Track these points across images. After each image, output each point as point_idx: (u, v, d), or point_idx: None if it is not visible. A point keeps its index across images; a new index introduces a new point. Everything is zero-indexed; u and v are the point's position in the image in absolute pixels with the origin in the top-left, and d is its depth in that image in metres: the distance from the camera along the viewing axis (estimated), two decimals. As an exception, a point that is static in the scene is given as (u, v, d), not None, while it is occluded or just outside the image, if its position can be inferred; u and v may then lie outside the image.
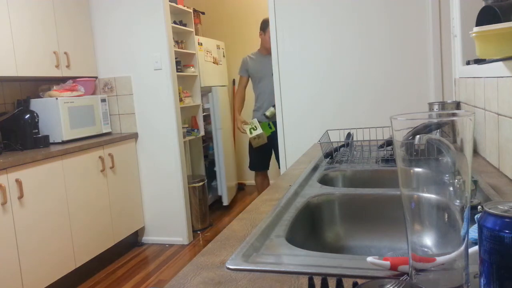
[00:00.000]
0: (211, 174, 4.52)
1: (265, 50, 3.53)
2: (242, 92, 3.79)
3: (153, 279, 2.90)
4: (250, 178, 5.38)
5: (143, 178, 3.56)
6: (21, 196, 2.39)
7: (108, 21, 3.45)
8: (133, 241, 3.53)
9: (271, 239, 0.85)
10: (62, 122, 2.98)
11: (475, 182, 1.03)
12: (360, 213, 1.13)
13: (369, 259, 0.64)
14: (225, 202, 4.40)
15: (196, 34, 4.30)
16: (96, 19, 3.48)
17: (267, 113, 3.50)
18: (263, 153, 3.68)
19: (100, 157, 3.07)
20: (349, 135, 1.73)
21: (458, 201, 0.49)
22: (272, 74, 3.00)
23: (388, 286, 0.46)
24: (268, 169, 3.80)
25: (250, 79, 3.72)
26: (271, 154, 3.72)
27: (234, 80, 5.16)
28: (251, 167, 3.79)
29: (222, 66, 4.87)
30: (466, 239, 0.50)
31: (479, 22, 1.25)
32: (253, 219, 0.97)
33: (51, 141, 2.99)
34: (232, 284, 0.65)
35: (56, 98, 2.98)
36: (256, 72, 3.62)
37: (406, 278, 0.59)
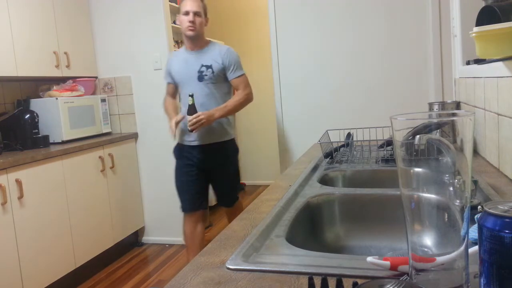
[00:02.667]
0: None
1: (189, 43, 2.45)
2: (170, 103, 2.59)
3: (153, 279, 2.90)
4: (250, 178, 5.39)
5: (143, 178, 3.56)
6: (21, 196, 2.39)
7: (108, 21, 3.45)
8: (133, 241, 3.52)
9: (271, 239, 0.85)
10: (62, 122, 2.98)
11: (475, 182, 1.03)
12: (360, 213, 1.13)
13: (369, 259, 0.64)
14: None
15: (196, 34, 4.30)
16: (96, 19, 3.48)
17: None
18: (196, 183, 2.50)
19: (100, 157, 3.07)
20: (349, 135, 1.73)
21: (458, 201, 0.49)
22: (200, 78, 2.37)
23: (388, 286, 0.46)
24: (205, 208, 2.62)
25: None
26: (207, 186, 2.58)
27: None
28: (182, 205, 2.54)
29: (222, 66, 4.86)
30: (466, 239, 0.50)
31: (479, 22, 1.25)
32: (253, 219, 0.97)
33: (51, 141, 2.99)
34: (232, 284, 0.65)
35: (56, 98, 2.98)
36: (177, 74, 2.49)
37: (406, 278, 0.59)
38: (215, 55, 2.42)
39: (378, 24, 2.70)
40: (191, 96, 2.28)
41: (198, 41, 2.45)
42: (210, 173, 2.53)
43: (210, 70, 2.39)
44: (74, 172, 2.82)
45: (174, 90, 2.60)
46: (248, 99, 2.48)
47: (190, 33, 2.40)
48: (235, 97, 2.45)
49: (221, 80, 2.43)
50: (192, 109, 2.29)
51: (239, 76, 2.45)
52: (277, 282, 0.65)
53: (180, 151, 2.53)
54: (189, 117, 2.28)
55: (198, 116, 2.26)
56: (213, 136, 2.46)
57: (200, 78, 2.40)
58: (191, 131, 2.29)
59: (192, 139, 2.46)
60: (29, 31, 2.88)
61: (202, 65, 2.40)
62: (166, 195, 3.49)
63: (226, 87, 2.48)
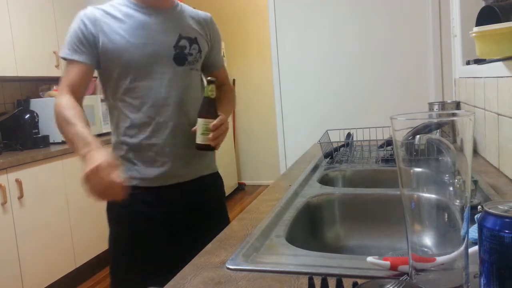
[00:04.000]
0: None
1: None
2: (76, 113, 1.17)
3: (153, 279, 2.90)
4: (250, 178, 5.38)
5: (143, 178, 3.56)
6: (21, 196, 2.39)
7: (108, 21, 3.44)
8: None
9: (271, 239, 0.85)
10: (62, 122, 2.98)
11: (475, 182, 1.03)
12: (360, 213, 1.13)
13: (369, 259, 0.64)
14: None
15: (196, 34, 4.30)
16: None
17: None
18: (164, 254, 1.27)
19: (100, 157, 3.07)
20: (349, 135, 1.73)
21: (458, 201, 0.49)
22: (180, 59, 1.28)
23: (388, 286, 0.46)
24: None
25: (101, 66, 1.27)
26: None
27: (234, 80, 5.15)
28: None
29: (222, 66, 4.87)
30: (466, 239, 0.50)
31: (479, 22, 1.25)
32: (253, 219, 0.97)
33: (51, 141, 2.99)
34: (232, 284, 0.65)
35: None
36: (128, 49, 1.22)
37: (406, 278, 0.59)
38: (194, 23, 1.35)
39: (378, 24, 2.70)
40: (213, 81, 1.25)
41: None
42: (190, 232, 1.31)
43: (196, 46, 1.32)
44: (74, 172, 2.82)
45: (86, 81, 1.24)
46: (235, 95, 1.57)
47: None
48: (228, 95, 1.48)
49: (200, 66, 1.38)
50: (211, 106, 1.24)
51: (223, 65, 1.51)
52: (277, 282, 0.65)
53: (132, 201, 1.21)
54: (207, 122, 1.20)
55: (222, 120, 1.23)
56: (204, 166, 1.37)
57: (180, 58, 1.28)
58: (213, 148, 1.23)
59: (164, 169, 1.26)
60: (29, 31, 2.88)
61: (181, 37, 1.29)
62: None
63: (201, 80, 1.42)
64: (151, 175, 1.26)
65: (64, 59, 1.25)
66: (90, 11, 1.24)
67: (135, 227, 1.26)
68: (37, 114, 2.92)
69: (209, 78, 1.27)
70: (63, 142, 2.99)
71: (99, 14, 1.24)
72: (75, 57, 1.22)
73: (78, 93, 1.23)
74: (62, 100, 1.19)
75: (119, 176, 1.02)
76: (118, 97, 1.26)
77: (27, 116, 2.88)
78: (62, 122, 1.16)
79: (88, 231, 2.91)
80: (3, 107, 3.03)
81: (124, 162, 1.27)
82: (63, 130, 1.16)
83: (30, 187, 2.46)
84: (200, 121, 1.21)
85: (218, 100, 1.32)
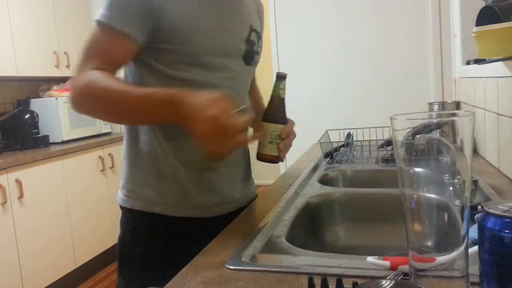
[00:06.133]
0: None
1: None
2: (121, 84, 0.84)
3: (153, 279, 2.90)
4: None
5: (143, 178, 3.56)
6: (21, 196, 2.39)
7: (108, 21, 3.44)
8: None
9: (271, 239, 0.85)
10: (62, 122, 2.98)
11: (475, 182, 1.03)
12: (360, 213, 1.13)
13: (369, 259, 0.64)
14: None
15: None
16: (96, 19, 3.47)
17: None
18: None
19: (100, 157, 3.07)
20: (349, 135, 1.73)
21: (458, 201, 0.49)
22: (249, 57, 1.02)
23: (388, 286, 0.46)
24: None
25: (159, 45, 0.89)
26: None
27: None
28: None
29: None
30: (466, 239, 0.50)
31: (479, 22, 1.25)
32: (253, 219, 0.97)
33: (51, 141, 2.99)
34: (232, 284, 0.65)
35: (56, 98, 2.97)
36: (202, 28, 0.90)
37: (400, 274, 0.59)
38: (254, 11, 1.08)
39: (378, 24, 2.70)
40: (284, 77, 0.98)
41: None
42: None
43: (260, 43, 1.07)
44: (74, 172, 2.82)
45: (127, 58, 0.90)
46: None
47: None
48: (259, 96, 1.29)
49: None
50: (281, 108, 1.00)
51: None
52: (277, 282, 0.65)
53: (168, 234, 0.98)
54: (277, 128, 0.96)
55: (293, 126, 1.02)
56: (251, 189, 1.15)
57: (249, 56, 1.02)
58: (279, 159, 1.00)
59: (228, 199, 1.03)
60: (29, 31, 2.88)
61: (252, 29, 1.02)
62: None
63: None
64: (218, 200, 1.00)
65: (104, 24, 0.85)
66: None
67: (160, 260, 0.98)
68: (37, 114, 2.92)
69: (279, 72, 0.97)
70: (63, 142, 2.99)
71: None
72: (126, 28, 0.84)
73: (116, 69, 0.89)
74: (94, 74, 0.83)
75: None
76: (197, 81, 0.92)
77: (27, 116, 2.88)
78: (109, 96, 0.82)
79: (88, 231, 2.91)
80: (3, 107, 3.03)
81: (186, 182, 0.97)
82: (115, 105, 0.83)
83: (30, 187, 2.46)
84: (268, 126, 0.95)
85: (259, 101, 1.12)
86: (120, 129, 3.58)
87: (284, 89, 0.98)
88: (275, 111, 0.98)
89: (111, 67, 0.86)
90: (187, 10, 0.88)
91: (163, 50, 0.89)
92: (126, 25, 0.84)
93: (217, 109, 0.72)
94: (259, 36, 1.05)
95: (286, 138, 0.95)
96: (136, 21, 0.85)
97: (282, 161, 1.00)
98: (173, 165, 0.94)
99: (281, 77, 0.98)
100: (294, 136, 1.00)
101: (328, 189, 1.22)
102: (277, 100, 0.98)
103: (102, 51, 0.86)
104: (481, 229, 0.49)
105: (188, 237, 0.94)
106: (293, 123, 0.99)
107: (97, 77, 0.82)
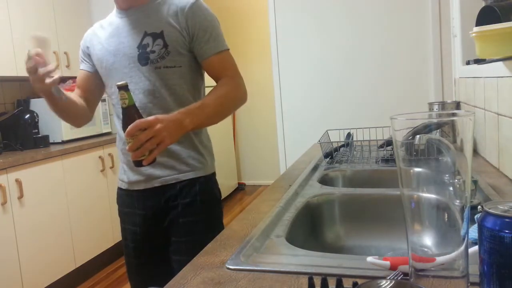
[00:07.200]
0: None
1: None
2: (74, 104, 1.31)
3: (153, 279, 2.90)
4: (250, 178, 5.38)
5: (143, 178, 3.56)
6: (21, 196, 2.39)
7: (108, 21, 3.44)
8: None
9: (271, 239, 0.85)
10: (62, 122, 2.97)
11: (475, 182, 1.03)
12: (360, 213, 1.13)
13: (369, 259, 0.64)
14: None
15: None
16: (96, 19, 3.47)
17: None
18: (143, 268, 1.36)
19: (100, 157, 3.07)
20: (349, 135, 1.73)
21: (458, 201, 0.49)
22: (143, 59, 1.24)
23: (388, 286, 0.46)
24: None
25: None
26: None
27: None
28: None
29: (222, 66, 4.86)
30: (466, 239, 0.50)
31: (479, 22, 1.25)
32: (253, 219, 0.97)
33: (51, 141, 2.99)
34: (232, 284, 0.65)
35: (56, 98, 2.98)
36: (102, 57, 1.31)
37: (400, 274, 0.59)
38: (168, 14, 1.25)
39: (378, 24, 2.70)
40: (123, 87, 1.05)
41: None
42: (164, 245, 1.31)
43: (160, 41, 1.23)
44: (74, 172, 2.82)
45: (87, 83, 1.37)
46: (241, 92, 1.29)
47: None
48: (219, 89, 1.24)
49: (184, 61, 1.26)
50: (130, 116, 1.05)
51: (220, 52, 1.26)
52: (277, 282, 0.65)
53: (122, 202, 1.43)
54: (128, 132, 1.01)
55: (150, 124, 1.02)
56: (175, 168, 1.28)
57: (143, 58, 1.23)
58: (138, 164, 1.05)
59: (135, 178, 1.31)
60: (29, 31, 2.87)
61: (146, 34, 1.24)
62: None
63: (194, 75, 1.30)
64: (129, 179, 1.34)
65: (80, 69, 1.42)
66: (91, 28, 1.39)
67: (124, 226, 1.43)
68: (37, 114, 2.92)
69: (116, 84, 1.06)
70: (63, 142, 2.99)
71: (96, 27, 1.37)
72: (81, 66, 1.40)
73: (84, 92, 1.38)
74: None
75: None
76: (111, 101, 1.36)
77: (27, 116, 2.88)
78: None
79: (88, 231, 2.91)
80: (3, 107, 3.03)
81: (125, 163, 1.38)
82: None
83: (30, 187, 2.46)
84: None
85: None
86: (120, 129, 3.58)
87: (123, 99, 1.05)
88: (122, 122, 1.08)
89: (82, 90, 1.40)
90: (97, 47, 1.32)
91: (101, 74, 1.38)
92: (81, 64, 1.39)
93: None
94: (157, 36, 1.23)
95: (134, 141, 1.01)
96: (86, 60, 1.37)
97: (149, 161, 1.04)
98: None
99: (120, 88, 1.05)
100: (156, 131, 1.02)
101: (328, 189, 1.22)
102: (125, 109, 1.06)
103: (77, 81, 1.42)
104: (481, 229, 0.49)
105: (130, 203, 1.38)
106: (153, 119, 1.03)
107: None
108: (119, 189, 1.42)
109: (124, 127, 1.02)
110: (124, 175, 1.37)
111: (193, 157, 1.29)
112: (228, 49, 1.30)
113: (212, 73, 1.28)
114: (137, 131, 1.00)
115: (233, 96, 1.26)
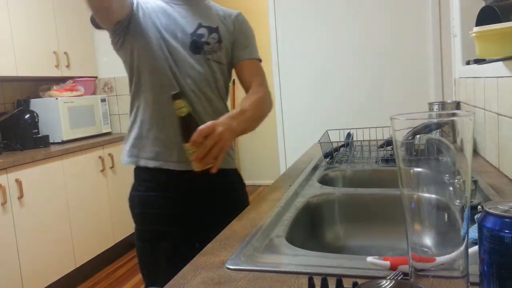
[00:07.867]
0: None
1: None
2: None
3: (153, 279, 2.90)
4: (250, 178, 5.38)
5: (143, 178, 3.56)
6: (21, 196, 2.39)
7: (108, 21, 3.44)
8: (133, 241, 3.52)
9: (271, 239, 0.85)
10: (62, 122, 2.98)
11: (475, 182, 1.03)
12: (360, 213, 1.13)
13: (369, 259, 0.64)
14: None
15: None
16: (96, 19, 3.48)
17: None
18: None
19: (100, 157, 3.07)
20: (349, 135, 1.73)
21: (458, 201, 0.49)
22: (196, 47, 1.26)
23: (388, 286, 0.46)
24: None
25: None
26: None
27: (234, 80, 5.15)
28: None
29: (222, 66, 4.86)
30: (466, 239, 0.50)
31: (479, 22, 1.25)
32: (253, 219, 0.97)
33: (51, 141, 2.99)
34: (232, 284, 0.65)
35: (56, 98, 2.98)
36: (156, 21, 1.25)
37: (400, 274, 0.59)
38: (219, 15, 1.35)
39: (378, 24, 2.70)
40: (179, 96, 1.05)
41: None
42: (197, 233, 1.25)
43: (215, 35, 1.29)
44: (74, 172, 2.82)
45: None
46: (271, 99, 1.38)
47: None
48: (253, 96, 1.29)
49: (227, 61, 1.33)
50: (189, 124, 1.04)
51: (255, 59, 1.36)
52: (277, 282, 0.65)
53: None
54: (185, 146, 1.04)
55: (212, 129, 1.02)
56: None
57: (196, 46, 1.25)
58: (203, 172, 1.06)
59: (175, 159, 1.23)
60: (29, 31, 2.88)
61: (201, 25, 1.27)
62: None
63: (228, 76, 1.37)
64: (168, 158, 1.25)
65: None
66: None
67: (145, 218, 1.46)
68: (37, 114, 2.92)
69: (172, 93, 1.05)
70: (63, 142, 2.99)
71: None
72: None
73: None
74: None
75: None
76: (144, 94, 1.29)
77: (27, 116, 2.88)
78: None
79: (88, 231, 2.91)
80: (3, 107, 3.03)
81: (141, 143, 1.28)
82: None
83: (30, 187, 2.46)
84: (183, 146, 1.04)
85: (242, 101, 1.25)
86: (120, 129, 3.58)
87: (180, 108, 1.03)
88: (180, 131, 1.05)
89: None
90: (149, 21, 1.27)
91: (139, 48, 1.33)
92: None
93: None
94: (213, 30, 1.29)
95: (200, 149, 1.01)
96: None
97: (214, 168, 1.05)
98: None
99: (172, 98, 1.04)
100: (215, 140, 1.02)
101: (328, 189, 1.22)
102: (179, 120, 1.05)
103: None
104: (481, 229, 0.49)
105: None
106: (205, 129, 1.02)
107: None
108: (156, 171, 1.25)
109: (185, 136, 1.02)
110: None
111: (228, 152, 1.31)
112: (261, 60, 1.40)
113: (244, 75, 1.34)
114: (202, 138, 1.00)
115: (266, 102, 1.33)
